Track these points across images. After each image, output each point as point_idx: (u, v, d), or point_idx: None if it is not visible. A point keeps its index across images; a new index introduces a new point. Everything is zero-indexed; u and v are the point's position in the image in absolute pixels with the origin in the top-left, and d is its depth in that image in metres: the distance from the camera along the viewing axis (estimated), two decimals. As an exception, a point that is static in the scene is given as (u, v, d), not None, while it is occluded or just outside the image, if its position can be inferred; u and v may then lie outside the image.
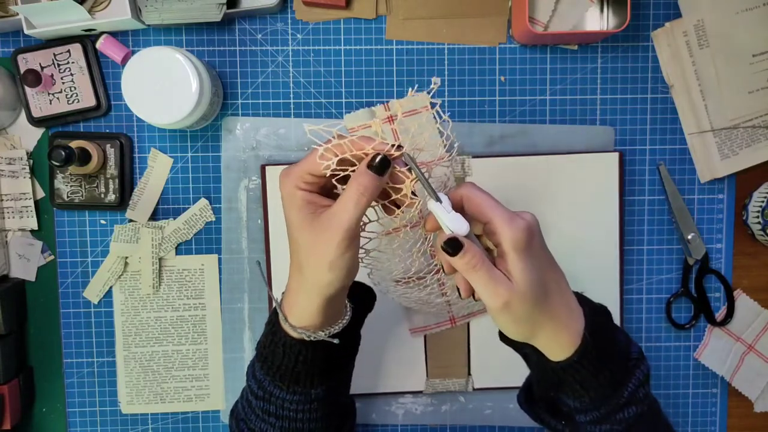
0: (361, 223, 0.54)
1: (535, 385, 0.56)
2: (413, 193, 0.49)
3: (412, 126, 0.71)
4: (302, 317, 0.49)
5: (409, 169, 0.48)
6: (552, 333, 0.49)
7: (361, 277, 0.57)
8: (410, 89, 0.71)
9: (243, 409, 0.56)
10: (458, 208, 0.49)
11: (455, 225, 0.47)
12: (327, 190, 0.50)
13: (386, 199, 0.50)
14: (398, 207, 0.50)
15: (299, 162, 0.49)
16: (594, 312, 0.51)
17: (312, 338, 0.50)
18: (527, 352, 0.53)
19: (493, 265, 0.47)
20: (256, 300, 0.74)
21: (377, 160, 0.46)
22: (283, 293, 0.52)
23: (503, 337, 0.55)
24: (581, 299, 0.52)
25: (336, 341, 0.50)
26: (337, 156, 0.47)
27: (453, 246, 0.47)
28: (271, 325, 0.52)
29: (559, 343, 0.49)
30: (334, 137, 0.47)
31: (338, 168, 0.47)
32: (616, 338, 0.52)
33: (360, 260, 0.53)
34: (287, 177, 0.48)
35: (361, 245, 0.52)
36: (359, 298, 0.57)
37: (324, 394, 0.53)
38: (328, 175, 0.47)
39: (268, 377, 0.52)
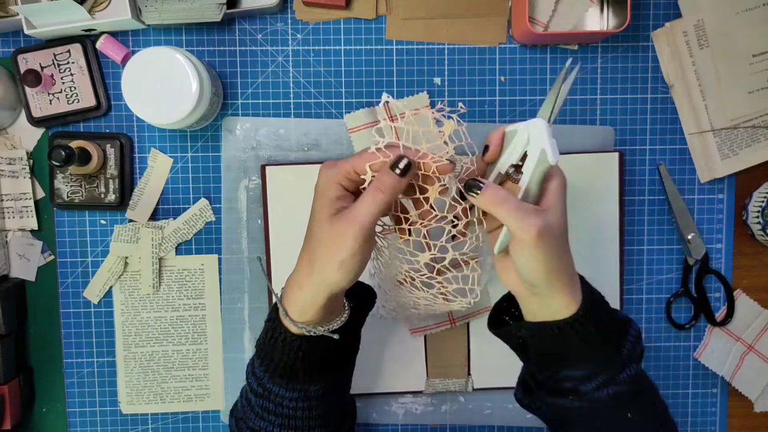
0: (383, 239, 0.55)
1: (534, 370, 0.56)
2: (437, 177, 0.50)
3: (413, 124, 0.70)
4: (304, 312, 0.50)
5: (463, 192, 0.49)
6: (561, 287, 0.49)
7: (363, 276, 0.57)
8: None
9: (242, 408, 0.56)
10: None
11: (554, 151, 0.48)
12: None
13: (412, 195, 0.52)
14: (427, 201, 0.51)
15: (347, 158, 0.49)
16: (584, 281, 0.53)
17: (312, 333, 0.50)
18: (522, 335, 0.53)
19: (519, 200, 0.48)
20: (256, 300, 0.74)
21: (401, 163, 0.47)
22: (282, 289, 0.52)
23: (494, 329, 0.56)
24: None
25: (336, 336, 0.51)
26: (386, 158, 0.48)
27: (472, 185, 0.48)
28: (271, 322, 0.52)
29: (564, 300, 0.49)
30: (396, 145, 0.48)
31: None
32: (607, 304, 0.54)
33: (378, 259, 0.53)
34: (330, 168, 0.49)
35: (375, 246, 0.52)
36: (360, 298, 0.57)
37: (323, 392, 0.53)
38: (369, 180, 0.48)
39: (267, 374, 0.52)
